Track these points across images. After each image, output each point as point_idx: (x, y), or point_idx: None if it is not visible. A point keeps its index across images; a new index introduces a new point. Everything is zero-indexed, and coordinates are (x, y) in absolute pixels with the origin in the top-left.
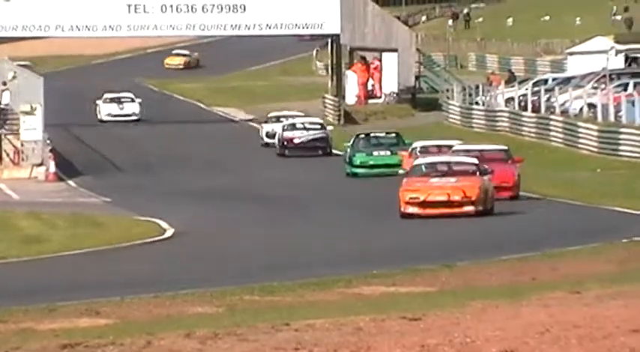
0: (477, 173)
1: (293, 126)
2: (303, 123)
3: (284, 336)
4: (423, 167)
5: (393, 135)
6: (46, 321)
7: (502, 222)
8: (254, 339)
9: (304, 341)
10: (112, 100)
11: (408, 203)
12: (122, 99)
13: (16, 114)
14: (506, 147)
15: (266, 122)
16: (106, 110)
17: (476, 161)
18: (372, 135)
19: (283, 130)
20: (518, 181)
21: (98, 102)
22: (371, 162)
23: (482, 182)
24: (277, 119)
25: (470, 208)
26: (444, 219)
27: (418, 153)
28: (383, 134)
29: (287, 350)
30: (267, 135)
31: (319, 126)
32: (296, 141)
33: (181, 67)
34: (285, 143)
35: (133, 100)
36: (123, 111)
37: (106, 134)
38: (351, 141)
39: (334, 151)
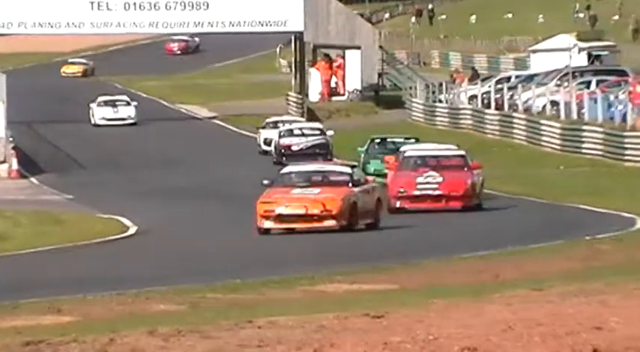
0: (349, 184)
1: (290, 132)
2: (301, 129)
3: (247, 333)
4: (292, 176)
5: (413, 140)
6: (9, 318)
7: (465, 219)
8: (217, 336)
9: (267, 339)
10: (106, 103)
11: (263, 216)
12: (117, 102)
13: None
14: (463, 152)
15: (264, 128)
16: (100, 114)
17: (350, 170)
18: (388, 140)
19: (280, 137)
20: (472, 190)
21: (92, 105)
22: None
23: (348, 194)
24: (275, 125)
25: (331, 222)
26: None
27: (404, 159)
28: (401, 139)
29: (250, 347)
30: (265, 142)
31: (318, 132)
32: (294, 148)
33: (79, 75)
34: (283, 150)
35: (128, 103)
36: (118, 114)
37: (70, 132)
38: (366, 147)
39: (334, 158)
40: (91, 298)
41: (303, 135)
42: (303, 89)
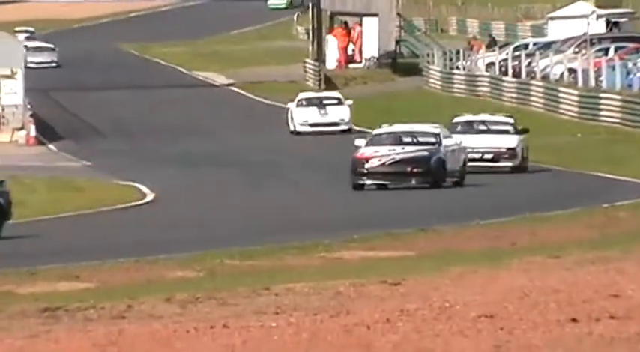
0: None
1: (381, 139)
2: (408, 135)
3: (264, 300)
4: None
5: (508, 120)
6: (27, 285)
7: (480, 187)
8: (234, 303)
9: (284, 305)
10: (309, 103)
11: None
12: (324, 101)
13: None
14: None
15: (298, 106)
16: (302, 116)
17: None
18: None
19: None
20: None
21: (290, 105)
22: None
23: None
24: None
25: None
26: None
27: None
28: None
29: (267, 314)
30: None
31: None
32: (375, 163)
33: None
34: (363, 165)
35: (340, 102)
36: (326, 117)
37: (88, 99)
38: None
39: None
40: (108, 265)
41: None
42: (320, 56)
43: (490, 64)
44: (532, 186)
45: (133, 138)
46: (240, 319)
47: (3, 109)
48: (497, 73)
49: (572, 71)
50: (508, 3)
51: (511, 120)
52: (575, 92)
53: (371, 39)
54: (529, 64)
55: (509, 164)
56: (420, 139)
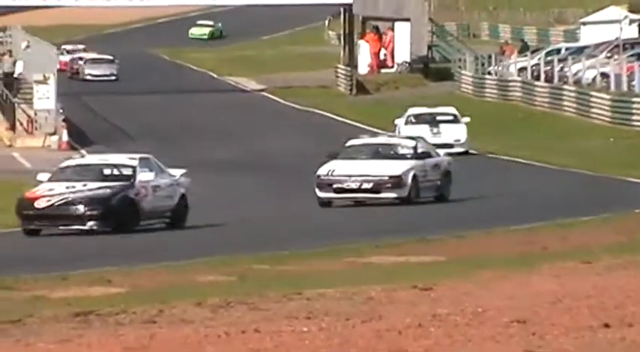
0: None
1: (66, 173)
2: (93, 169)
3: (295, 305)
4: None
5: (409, 143)
6: (59, 290)
7: (512, 192)
8: (265, 308)
9: (316, 310)
10: (420, 120)
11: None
12: (437, 117)
13: (29, 83)
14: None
15: (406, 123)
16: (411, 132)
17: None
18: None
19: (51, 180)
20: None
21: (397, 122)
22: None
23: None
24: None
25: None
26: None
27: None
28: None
29: (298, 319)
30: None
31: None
32: (48, 202)
33: None
34: (32, 207)
35: (455, 120)
36: (439, 138)
37: (119, 104)
38: None
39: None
40: (140, 269)
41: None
42: (352, 61)
43: (522, 69)
44: (564, 191)
45: (164, 142)
46: (271, 324)
47: (35, 114)
48: (530, 77)
49: (604, 76)
50: (540, 8)
51: (412, 144)
52: (608, 97)
53: (403, 44)
54: (561, 68)
55: (393, 195)
56: (110, 173)
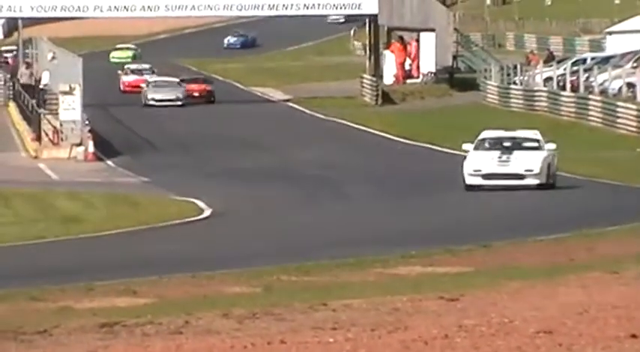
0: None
1: None
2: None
3: (321, 316)
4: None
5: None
6: (85, 300)
7: (538, 202)
8: (291, 319)
9: (342, 321)
10: (494, 144)
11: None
12: (515, 143)
13: (55, 94)
14: None
15: (477, 148)
16: (475, 163)
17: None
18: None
19: None
20: None
21: (466, 147)
22: None
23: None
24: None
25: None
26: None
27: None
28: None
29: (324, 330)
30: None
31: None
32: None
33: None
34: None
35: (538, 147)
36: (506, 167)
37: (145, 114)
38: None
39: None
40: (165, 280)
41: None
42: (377, 71)
43: (548, 79)
44: (590, 202)
45: (190, 153)
46: (297, 335)
47: (61, 125)
48: (555, 87)
49: (630, 85)
50: (566, 17)
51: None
52: (634, 107)
53: (428, 54)
54: (587, 78)
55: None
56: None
